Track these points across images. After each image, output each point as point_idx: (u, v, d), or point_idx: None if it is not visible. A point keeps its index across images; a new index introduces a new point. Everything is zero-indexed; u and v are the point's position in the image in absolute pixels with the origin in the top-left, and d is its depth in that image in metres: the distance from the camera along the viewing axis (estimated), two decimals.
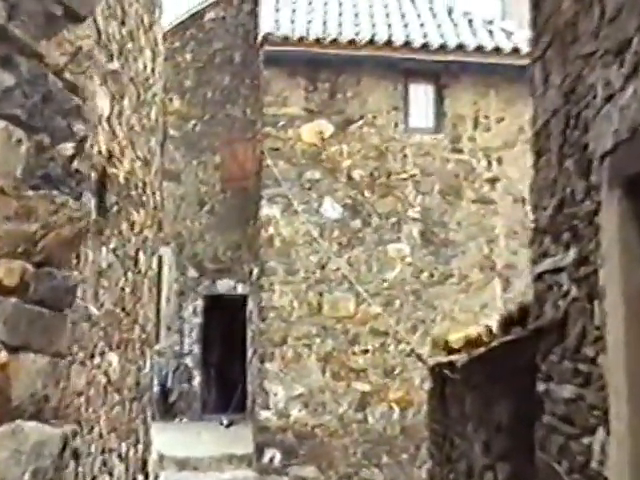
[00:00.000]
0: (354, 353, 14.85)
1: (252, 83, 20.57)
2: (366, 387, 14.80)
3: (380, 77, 15.56)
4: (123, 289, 8.07)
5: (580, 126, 4.42)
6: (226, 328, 21.70)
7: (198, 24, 22.02)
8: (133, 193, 8.55)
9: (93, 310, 6.73)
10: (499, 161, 15.71)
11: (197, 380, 21.09)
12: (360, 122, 15.43)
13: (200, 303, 21.23)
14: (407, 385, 14.81)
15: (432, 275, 15.23)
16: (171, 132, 21.56)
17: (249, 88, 21.10)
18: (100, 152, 6.64)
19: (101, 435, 7.08)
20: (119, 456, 7.99)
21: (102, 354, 7.05)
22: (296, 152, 15.26)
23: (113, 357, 7.47)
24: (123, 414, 8.09)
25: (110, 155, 7.04)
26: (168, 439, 16.28)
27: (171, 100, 21.67)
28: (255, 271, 16.63)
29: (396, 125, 15.55)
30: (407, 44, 15.46)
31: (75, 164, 2.91)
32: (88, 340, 6.40)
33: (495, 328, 6.73)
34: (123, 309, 8.00)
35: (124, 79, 7.65)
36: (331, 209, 15.16)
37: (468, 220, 15.44)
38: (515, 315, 6.06)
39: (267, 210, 15.14)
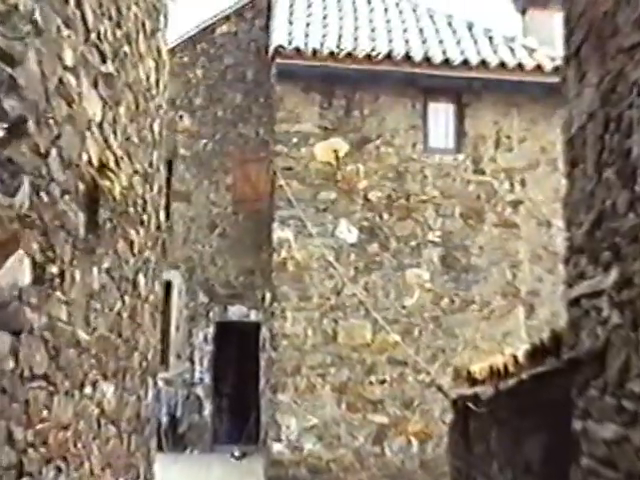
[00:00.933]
0: (371, 383, 14.22)
1: (265, 102, 20.14)
2: (383, 419, 14.17)
3: (398, 94, 14.98)
4: (119, 314, 7.40)
5: (622, 129, 3.94)
6: (238, 356, 21.19)
7: (209, 39, 21.57)
8: (131, 210, 7.87)
9: (82, 335, 6.08)
10: (522, 183, 15.09)
11: (208, 410, 20.51)
12: (377, 141, 14.87)
13: (211, 330, 20.64)
14: (426, 417, 14.18)
15: (453, 302, 14.61)
16: (181, 151, 21.21)
17: (262, 107, 20.66)
18: (90, 162, 5.99)
19: (92, 471, 6.44)
20: None
21: (94, 383, 6.43)
22: (310, 172, 14.67)
23: (108, 387, 6.85)
24: (121, 448, 7.44)
25: (102, 166, 6.37)
26: (176, 473, 15.78)
27: (181, 118, 21.35)
28: (268, 297, 15.96)
29: (415, 145, 14.97)
30: (427, 60, 14.86)
31: (8, 152, 2.22)
32: (76, 368, 5.80)
33: (522, 358, 6.23)
34: (119, 335, 7.34)
35: (119, 84, 6.99)
36: (347, 232, 14.55)
37: (490, 244, 14.82)
38: (546, 344, 5.52)
39: (280, 233, 14.50)
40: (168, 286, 20.19)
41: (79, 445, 5.98)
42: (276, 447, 14.13)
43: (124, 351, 7.40)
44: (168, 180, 20.50)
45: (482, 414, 7.47)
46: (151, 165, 9.13)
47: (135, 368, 7.90)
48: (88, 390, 6.20)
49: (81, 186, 5.69)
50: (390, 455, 14.14)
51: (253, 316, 20.18)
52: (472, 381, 8.44)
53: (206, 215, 20.94)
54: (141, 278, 8.37)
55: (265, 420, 17.05)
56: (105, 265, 6.71)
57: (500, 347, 13.67)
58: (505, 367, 6.95)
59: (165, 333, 20.29)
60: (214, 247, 20.78)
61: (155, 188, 9.38)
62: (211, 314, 20.64)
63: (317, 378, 14.17)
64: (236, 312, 20.58)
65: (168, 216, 20.38)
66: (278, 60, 14.75)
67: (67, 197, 5.24)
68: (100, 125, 6.27)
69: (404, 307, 14.48)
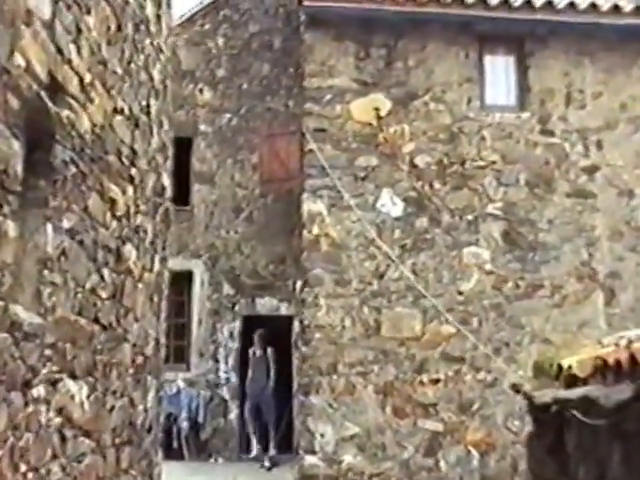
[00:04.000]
0: (421, 383, 12.29)
1: (295, 72, 18.18)
2: (437, 426, 12.24)
3: (449, 42, 12.97)
4: (95, 292, 5.64)
5: None
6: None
7: (232, 4, 19.66)
8: (111, 159, 6.08)
9: (28, 316, 4.46)
10: (598, 145, 13.07)
11: (234, 414, 18.60)
12: (425, 97, 12.90)
13: (237, 325, 18.83)
14: (488, 424, 12.23)
15: (518, 286, 12.58)
16: (202, 128, 19.41)
17: (292, 78, 18.77)
18: (31, 72, 4.38)
19: None
20: None
21: (53, 383, 4.86)
22: (346, 134, 12.72)
23: (77, 387, 5.23)
24: (104, 465, 5.90)
25: (56, 85, 4.81)
26: None
27: (201, 91, 19.60)
28: (299, 284, 14.08)
29: (470, 101, 12.97)
30: (483, 0, 12.65)
31: None
32: (12, 362, 4.22)
33: None
34: (96, 320, 5.64)
35: None
36: (391, 204, 12.62)
37: (562, 218, 12.82)
38: None
39: (311, 205, 12.56)
40: (189, 276, 18.76)
41: (22, 467, 4.39)
42: (309, 460, 12.20)
43: (104, 342, 5.86)
44: (187, 160, 19.05)
45: (596, 426, 5.23)
46: (147, 113, 7.49)
47: (124, 364, 6.52)
48: (39, 392, 4.64)
49: (14, 102, 4.15)
50: (445, 469, 12.18)
51: (284, 309, 18.32)
52: (569, 380, 6.30)
53: (231, 198, 19.17)
54: (130, 250, 6.73)
55: (297, 427, 15.18)
56: (66, 224, 5.11)
57: (576, 339, 11.69)
58: (617, 362, 5.34)
59: (186, 329, 18.92)
60: (240, 233, 19.02)
61: (154, 143, 7.84)
62: (237, 307, 18.83)
63: (357, 377, 12.27)
64: (265, 305, 18.75)
65: (188, 200, 18.84)
66: (306, 3, 12.73)
67: None
68: (50, 26, 4.70)
69: (460, 293, 12.52)
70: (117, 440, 6.28)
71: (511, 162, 12.84)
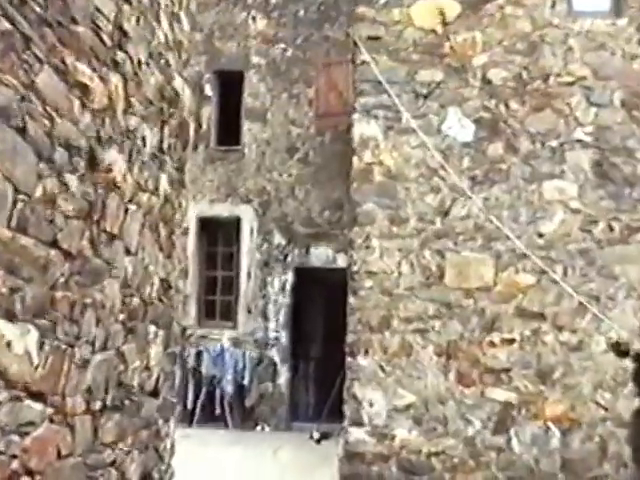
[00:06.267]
0: (492, 344, 10.44)
1: None
2: (510, 396, 10.38)
3: None
4: (51, 203, 4.33)
5: None
6: (323, 311, 18.40)
7: None
8: (80, 31, 4.71)
9: None
10: None
11: (284, 377, 17.56)
12: None
13: (289, 278, 17.71)
14: (572, 395, 10.30)
15: (611, 228, 10.59)
16: (254, 59, 18.21)
17: (351, 3, 16.88)
18: None
19: None
20: None
21: None
22: (406, 42, 10.85)
23: (15, 332, 3.94)
24: (70, 437, 4.64)
25: None
26: (230, 455, 13.13)
27: (254, 19, 18.41)
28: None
29: (554, 4, 10.95)
30: None
31: None
32: None
33: None
34: (54, 244, 4.37)
35: None
36: (459, 126, 10.78)
37: None
38: None
39: (362, 127, 10.72)
40: (237, 224, 17.76)
41: None
42: (355, 433, 10.45)
43: (71, 274, 4.60)
44: (238, 96, 17.69)
45: None
46: None
47: (108, 307, 5.30)
48: None
49: None
50: (519, 449, 10.33)
51: (341, 261, 16.71)
52: None
53: (284, 137, 17.99)
54: (115, 158, 5.31)
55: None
56: None
57: None
58: None
59: (233, 282, 17.79)
60: (294, 176, 17.87)
61: (161, 35, 6.53)
62: (289, 258, 17.71)
63: (415, 335, 10.53)
64: (320, 256, 17.53)
65: (238, 139, 17.46)
66: None
67: None
68: None
69: (541, 235, 10.60)
70: (95, 405, 5.05)
71: (604, 78, 10.89)
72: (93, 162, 4.82)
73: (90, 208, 4.78)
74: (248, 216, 17.61)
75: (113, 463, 5.28)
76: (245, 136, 17.85)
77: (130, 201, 5.58)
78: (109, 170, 5.09)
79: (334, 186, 16.94)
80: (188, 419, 16.44)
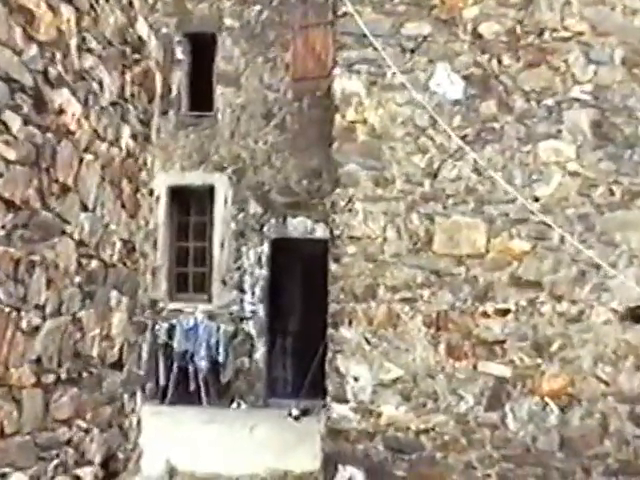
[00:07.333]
0: (485, 315, 9.98)
1: None
2: (504, 370, 9.98)
3: None
4: None
5: None
6: (301, 283, 18.15)
7: None
8: None
9: None
10: None
11: (261, 352, 17.29)
12: None
13: (266, 249, 17.37)
14: (571, 369, 9.86)
15: (612, 192, 10.09)
16: (227, 22, 17.71)
17: None
18: None
19: None
20: None
21: None
22: None
23: None
24: (16, 414, 4.27)
25: None
26: (201, 438, 12.53)
27: None
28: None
29: None
30: None
31: None
32: None
33: None
34: None
35: None
36: (448, 83, 10.22)
37: None
38: None
39: (344, 83, 10.13)
40: (211, 193, 17.42)
41: None
42: (338, 409, 10.00)
43: (14, 228, 4.21)
44: (210, 60, 17.33)
45: None
46: None
47: (61, 268, 4.87)
48: None
49: None
50: (514, 426, 9.92)
51: (320, 232, 16.44)
52: None
53: (260, 102, 17.58)
54: (66, 99, 4.82)
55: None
56: None
57: None
58: None
59: (207, 253, 17.50)
60: (270, 143, 17.47)
61: None
62: (266, 229, 17.36)
63: (402, 305, 10.02)
64: (298, 226, 17.22)
65: (211, 105, 17.11)
66: None
67: None
68: None
69: (536, 199, 10.08)
70: (47, 378, 4.69)
71: (603, 34, 10.34)
72: (40, 102, 4.40)
73: (37, 154, 4.38)
74: (222, 185, 17.22)
75: (69, 442, 4.95)
76: (218, 101, 17.45)
77: (86, 150, 5.18)
78: (60, 112, 4.66)
79: (312, 153, 16.54)
80: (160, 396, 16.16)
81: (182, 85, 17.44)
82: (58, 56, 4.59)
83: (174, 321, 16.49)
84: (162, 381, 16.31)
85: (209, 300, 17.00)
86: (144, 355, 16.32)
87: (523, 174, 10.05)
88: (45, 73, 4.41)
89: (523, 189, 9.92)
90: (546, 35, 10.22)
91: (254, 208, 17.16)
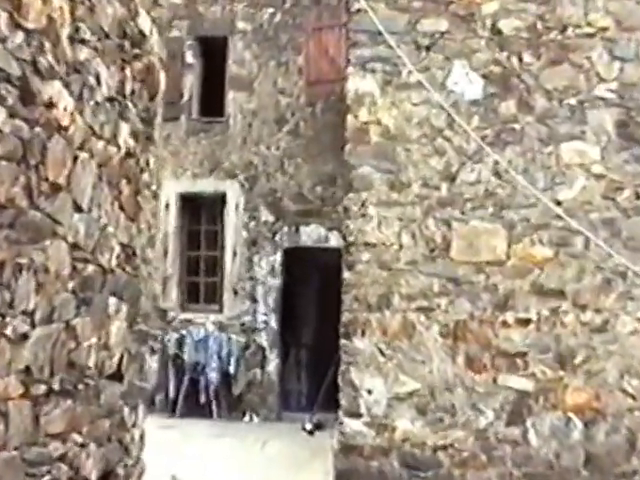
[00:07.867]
0: (505, 325, 9.76)
1: None
2: (526, 384, 9.76)
3: None
4: None
5: None
6: (315, 293, 17.97)
7: None
8: None
9: None
10: None
11: (273, 364, 17.02)
12: None
13: (279, 258, 17.05)
14: (596, 382, 9.64)
15: (638, 195, 9.85)
16: (239, 25, 17.48)
17: None
18: None
19: None
20: None
21: None
22: None
23: None
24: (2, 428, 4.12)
25: None
26: (211, 452, 12.24)
27: None
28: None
29: None
30: None
31: None
32: None
33: None
34: None
35: None
36: (466, 82, 10.04)
37: None
38: None
39: (358, 82, 9.95)
40: (222, 200, 17.15)
41: None
42: (351, 424, 9.79)
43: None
44: (222, 63, 17.33)
45: None
46: None
47: (53, 272, 4.73)
48: None
49: None
50: (536, 442, 9.66)
51: (334, 241, 16.19)
52: None
53: (272, 107, 17.35)
54: (58, 91, 4.69)
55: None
56: None
57: None
58: None
59: (218, 263, 17.24)
60: (283, 149, 17.22)
61: None
62: (278, 237, 17.09)
63: (418, 314, 9.86)
64: (311, 234, 16.96)
65: (222, 110, 17.14)
66: None
67: None
68: None
69: (559, 203, 9.81)
70: (37, 389, 4.54)
71: (629, 29, 10.10)
72: (27, 93, 4.23)
73: (25, 149, 4.20)
74: (234, 192, 17.03)
75: (63, 457, 4.80)
76: (230, 106, 17.24)
77: (81, 147, 5.00)
78: (50, 106, 4.47)
79: (326, 159, 16.34)
80: (170, 409, 15.99)
81: (193, 90, 17.30)
82: (47, 45, 4.42)
83: (184, 332, 16.30)
84: (172, 393, 16.14)
85: (220, 310, 16.78)
86: (154, 366, 16.12)
87: (545, 177, 9.85)
88: (34, 63, 4.25)
89: (545, 193, 9.70)
90: (569, 31, 10.07)
91: (266, 216, 16.97)
